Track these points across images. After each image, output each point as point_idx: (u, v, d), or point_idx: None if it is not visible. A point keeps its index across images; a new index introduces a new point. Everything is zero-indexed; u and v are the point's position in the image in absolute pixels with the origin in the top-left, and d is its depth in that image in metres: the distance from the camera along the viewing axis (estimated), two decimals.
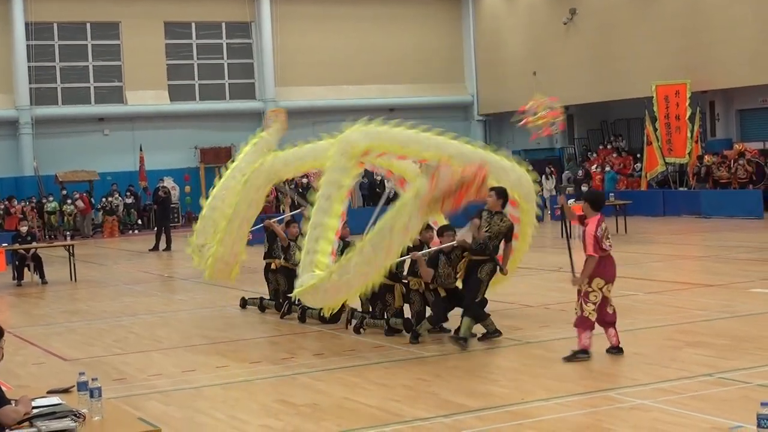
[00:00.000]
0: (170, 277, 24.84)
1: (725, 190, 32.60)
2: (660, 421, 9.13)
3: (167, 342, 14.94)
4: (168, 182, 40.14)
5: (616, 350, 11.91)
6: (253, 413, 10.24)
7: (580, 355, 11.70)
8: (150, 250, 31.09)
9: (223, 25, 44.22)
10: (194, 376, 12.32)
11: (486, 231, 13.11)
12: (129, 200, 40.69)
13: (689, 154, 34.66)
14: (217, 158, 42.84)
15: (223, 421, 9.98)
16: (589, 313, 11.62)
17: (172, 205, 37.45)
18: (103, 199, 39.38)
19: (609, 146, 40.56)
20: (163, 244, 31.07)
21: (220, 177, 17.92)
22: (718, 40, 34.44)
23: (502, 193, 13.32)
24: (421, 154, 14.46)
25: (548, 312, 15.57)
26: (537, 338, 13.40)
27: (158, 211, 33.33)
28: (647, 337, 12.82)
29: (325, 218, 13.54)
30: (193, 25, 43.72)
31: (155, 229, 32.72)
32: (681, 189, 35.63)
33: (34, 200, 38.21)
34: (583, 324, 11.69)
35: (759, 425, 5.30)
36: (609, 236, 11.78)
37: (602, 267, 11.63)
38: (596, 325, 11.69)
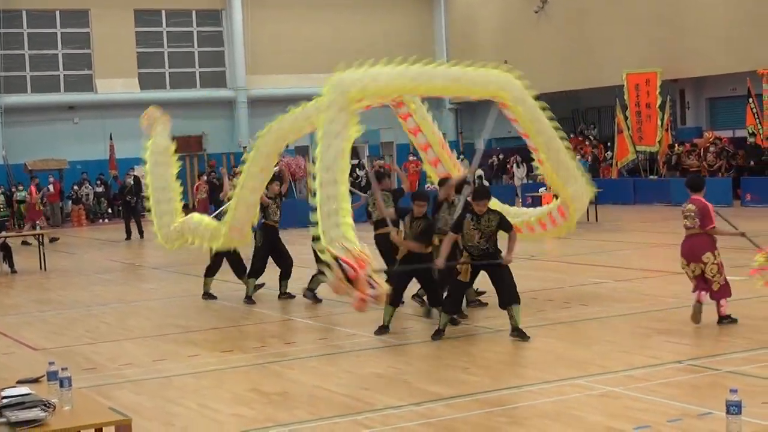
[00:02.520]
0: (141, 266, 24.77)
1: None
2: (630, 408, 9.18)
3: (138, 331, 14.90)
4: (139, 171, 39.90)
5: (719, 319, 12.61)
6: (224, 402, 10.23)
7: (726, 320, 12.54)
8: (126, 239, 31.15)
9: (194, 13, 44.04)
10: (165, 365, 12.29)
11: (479, 234, 12.85)
12: (99, 189, 40.55)
13: (659, 142, 34.84)
14: (187, 147, 42.70)
15: (194, 410, 9.97)
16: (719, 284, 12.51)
17: (141, 194, 37.29)
18: (74, 188, 39.19)
19: (581, 134, 40.69)
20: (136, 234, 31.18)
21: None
22: (688, 29, 34.58)
23: (485, 194, 13.15)
24: (432, 83, 14.40)
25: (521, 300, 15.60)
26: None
27: (135, 201, 33.14)
28: (618, 325, 12.89)
29: (334, 189, 12.91)
30: (163, 12, 43.50)
31: (125, 218, 32.57)
32: (651, 177, 35.81)
33: (2, 189, 37.95)
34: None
35: (728, 411, 5.35)
36: None
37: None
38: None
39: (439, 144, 16.88)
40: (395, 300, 13.28)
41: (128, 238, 31.20)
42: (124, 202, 32.97)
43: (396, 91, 14.55)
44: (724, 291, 12.57)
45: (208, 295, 17.45)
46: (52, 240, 31.17)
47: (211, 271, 17.54)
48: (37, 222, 32.00)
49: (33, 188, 33.65)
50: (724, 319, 12.60)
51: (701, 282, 12.62)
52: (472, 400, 9.80)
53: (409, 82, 14.28)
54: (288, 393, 10.48)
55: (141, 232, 31.18)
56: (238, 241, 16.48)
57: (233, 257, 17.38)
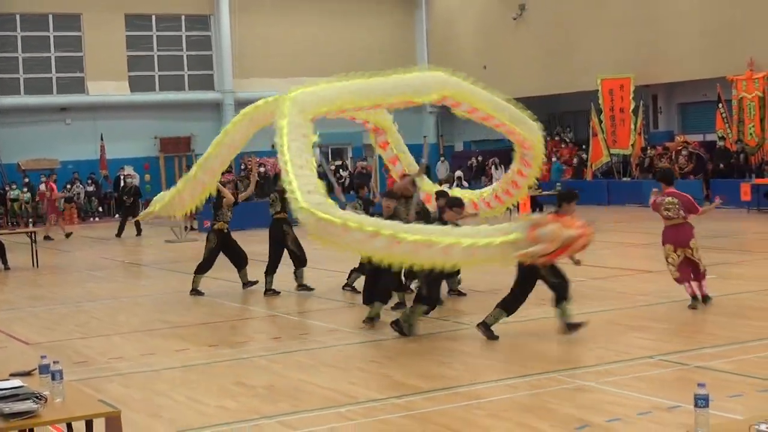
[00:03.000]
0: (131, 264, 24.72)
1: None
2: (602, 401, 9.22)
3: (128, 326, 14.88)
4: (128, 170, 39.96)
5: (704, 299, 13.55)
6: (211, 395, 10.23)
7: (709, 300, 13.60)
8: (136, 235, 31.15)
9: (183, 17, 43.96)
10: (154, 359, 12.29)
11: None
12: (90, 188, 40.47)
13: (632, 145, 34.98)
14: (176, 148, 42.80)
15: (182, 403, 9.97)
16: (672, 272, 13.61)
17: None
18: (66, 187, 39.12)
19: (557, 137, 40.78)
20: (130, 231, 31.20)
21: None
22: (661, 36, 34.69)
23: (458, 203, 13.26)
24: (389, 100, 14.58)
25: (497, 297, 15.62)
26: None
27: (131, 202, 33.04)
28: (592, 321, 12.93)
29: (305, 159, 12.92)
30: (153, 17, 43.40)
31: (121, 217, 32.53)
32: (625, 179, 35.94)
33: None
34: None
35: (696, 405, 5.38)
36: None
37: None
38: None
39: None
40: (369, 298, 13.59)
41: (118, 235, 31.18)
42: (121, 202, 32.94)
43: (345, 105, 14.66)
44: (705, 272, 13.58)
45: (196, 292, 17.46)
46: (68, 235, 31.21)
47: (202, 268, 17.56)
48: (58, 217, 32.02)
49: (52, 184, 33.57)
50: (708, 299, 13.53)
51: (685, 271, 13.48)
52: (450, 394, 9.83)
53: (354, 96, 14.52)
54: (273, 386, 10.49)
55: (138, 230, 31.16)
56: (175, 209, 17.82)
57: (231, 253, 17.53)
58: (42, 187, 38.01)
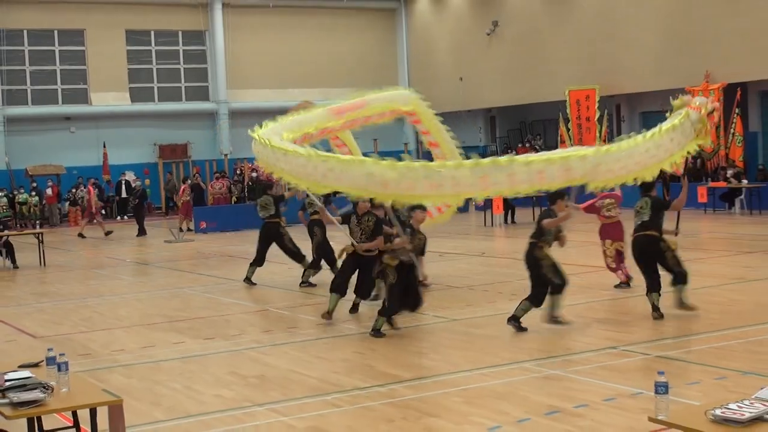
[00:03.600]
0: (132, 262, 24.65)
1: (625, 185, 32.89)
2: (569, 389, 9.25)
3: (129, 321, 14.84)
4: (129, 176, 39.87)
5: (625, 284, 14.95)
6: (207, 384, 10.22)
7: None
8: (137, 235, 31.11)
9: (180, 33, 43.83)
10: (153, 351, 12.26)
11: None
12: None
13: None
14: (174, 154, 42.75)
15: (179, 392, 9.95)
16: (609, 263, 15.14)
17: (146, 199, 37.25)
18: (71, 191, 39.05)
19: (527, 144, 40.85)
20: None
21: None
22: (622, 50, 34.78)
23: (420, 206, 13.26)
24: (326, 125, 14.73)
25: (472, 292, 15.69)
26: (462, 316, 13.50)
27: (137, 204, 33.00)
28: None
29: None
30: (152, 33, 43.26)
31: (136, 218, 32.54)
32: None
33: (5, 191, 37.68)
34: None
35: (656, 392, 5.40)
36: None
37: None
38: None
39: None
40: (342, 288, 13.47)
41: (140, 234, 31.24)
42: (126, 204, 32.87)
43: (315, 132, 14.78)
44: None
45: (248, 281, 17.72)
46: (108, 233, 31.14)
47: (257, 261, 17.70)
48: (96, 218, 31.90)
49: (90, 188, 33.42)
50: (631, 278, 14.78)
51: (619, 258, 15.02)
52: (430, 382, 9.85)
53: (323, 122, 14.66)
54: (264, 376, 10.47)
55: (142, 231, 31.15)
56: None
57: (286, 247, 17.46)
58: (48, 191, 38.03)
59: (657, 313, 12.47)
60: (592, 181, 11.43)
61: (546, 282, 12.21)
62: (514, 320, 12.21)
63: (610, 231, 15.09)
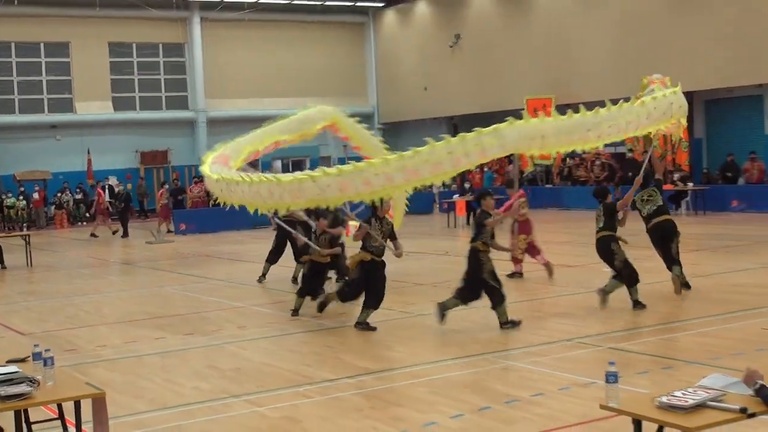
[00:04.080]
0: (114, 262, 24.50)
1: (583, 187, 33.16)
2: (528, 379, 9.29)
3: (112, 318, 14.74)
4: (112, 180, 39.62)
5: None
6: (186, 377, 10.18)
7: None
8: (122, 236, 30.98)
9: (160, 45, 43.63)
10: (135, 346, 12.19)
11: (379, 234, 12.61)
12: (78, 196, 40.08)
13: (554, 157, 35.17)
14: (154, 160, 42.57)
15: (160, 385, 9.91)
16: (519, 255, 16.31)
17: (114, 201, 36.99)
18: (57, 195, 38.82)
19: None
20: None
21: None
22: (575, 62, 34.98)
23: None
24: (274, 137, 15.41)
25: (437, 289, 15.69)
26: (427, 311, 13.51)
27: (122, 207, 32.75)
28: (519, 310, 13.01)
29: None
30: (134, 45, 43.03)
31: (120, 220, 32.33)
32: (547, 186, 36.22)
33: None
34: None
35: (607, 381, 5.43)
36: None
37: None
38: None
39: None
40: (311, 292, 13.77)
41: (124, 236, 31.08)
42: (121, 208, 32.59)
43: (257, 149, 15.01)
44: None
45: (263, 277, 17.61)
46: (114, 232, 30.95)
47: (272, 257, 17.59)
48: (107, 219, 31.56)
49: (100, 190, 33.13)
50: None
51: (533, 250, 16.34)
52: (396, 373, 9.86)
53: (258, 142, 14.89)
54: (240, 369, 10.45)
55: (125, 233, 31.00)
56: None
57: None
58: (35, 195, 37.76)
59: (639, 306, 12.70)
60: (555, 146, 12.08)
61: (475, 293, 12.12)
62: (510, 323, 12.01)
63: (523, 227, 16.52)
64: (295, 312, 13.64)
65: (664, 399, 5.23)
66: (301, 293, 13.87)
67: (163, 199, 32.43)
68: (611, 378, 5.43)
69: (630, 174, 32.05)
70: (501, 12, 39.11)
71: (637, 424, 5.31)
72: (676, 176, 30.02)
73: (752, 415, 5.09)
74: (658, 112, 12.31)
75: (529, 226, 16.62)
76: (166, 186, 34.10)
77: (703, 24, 30.39)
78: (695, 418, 5.05)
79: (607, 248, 12.92)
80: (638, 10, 32.92)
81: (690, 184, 29.73)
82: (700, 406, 5.16)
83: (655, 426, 5.22)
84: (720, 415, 5.09)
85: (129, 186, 39.97)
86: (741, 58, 29.51)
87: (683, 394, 5.29)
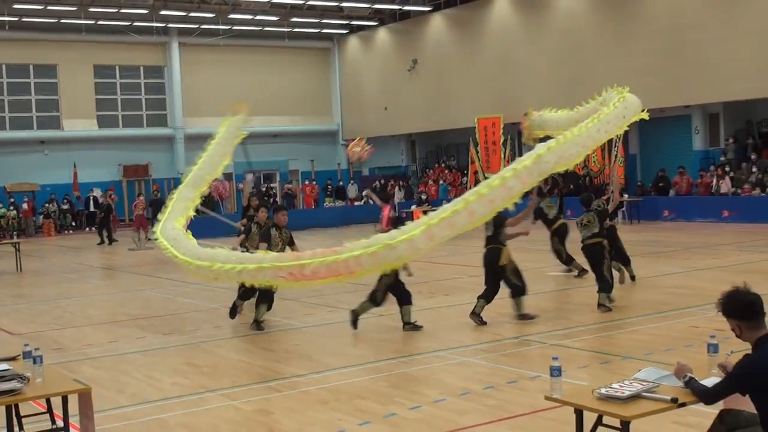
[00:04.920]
0: (99, 268, 24.26)
1: (527, 199, 33.29)
2: (479, 373, 9.32)
3: (96, 319, 14.61)
4: (97, 192, 39.28)
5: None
6: (166, 373, 10.11)
7: None
8: (98, 244, 30.74)
9: (141, 68, 43.31)
10: (118, 345, 12.09)
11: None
12: (65, 206, 39.68)
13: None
14: (136, 173, 42.24)
15: (141, 380, 9.83)
16: None
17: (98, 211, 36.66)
18: (45, 206, 38.44)
19: (443, 164, 41.12)
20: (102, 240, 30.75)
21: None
22: (520, 85, 35.23)
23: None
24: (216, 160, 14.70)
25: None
26: (389, 312, 13.50)
27: (103, 216, 32.44)
28: (470, 310, 13.06)
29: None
30: (117, 67, 42.68)
31: (98, 229, 32.02)
32: None
33: None
34: None
35: (551, 375, 5.47)
36: None
37: None
38: None
39: None
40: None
41: (101, 243, 30.86)
42: (94, 217, 32.32)
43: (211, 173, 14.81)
44: None
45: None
46: (149, 239, 30.57)
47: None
48: (142, 228, 30.95)
49: (140, 199, 32.19)
50: None
51: None
52: (359, 369, 9.85)
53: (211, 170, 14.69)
54: (216, 366, 10.40)
55: (111, 240, 30.75)
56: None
57: None
58: (24, 206, 37.35)
59: (603, 308, 12.55)
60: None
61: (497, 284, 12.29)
62: (475, 315, 12.11)
63: None
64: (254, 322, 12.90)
65: (603, 390, 5.28)
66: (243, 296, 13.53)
67: (138, 209, 32.10)
68: (555, 372, 5.46)
69: (571, 186, 32.47)
70: (454, 39, 39.31)
71: (579, 413, 5.36)
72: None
73: (682, 405, 5.16)
74: (623, 112, 12.40)
75: None
76: (142, 197, 33.78)
77: (636, 53, 30.77)
78: (631, 407, 5.10)
79: (600, 254, 12.86)
80: (577, 38, 33.25)
81: (625, 196, 30.01)
82: (635, 397, 5.21)
83: (595, 415, 5.27)
84: (653, 405, 5.15)
85: (115, 198, 39.74)
86: (670, 82, 29.91)
87: (620, 386, 5.34)
